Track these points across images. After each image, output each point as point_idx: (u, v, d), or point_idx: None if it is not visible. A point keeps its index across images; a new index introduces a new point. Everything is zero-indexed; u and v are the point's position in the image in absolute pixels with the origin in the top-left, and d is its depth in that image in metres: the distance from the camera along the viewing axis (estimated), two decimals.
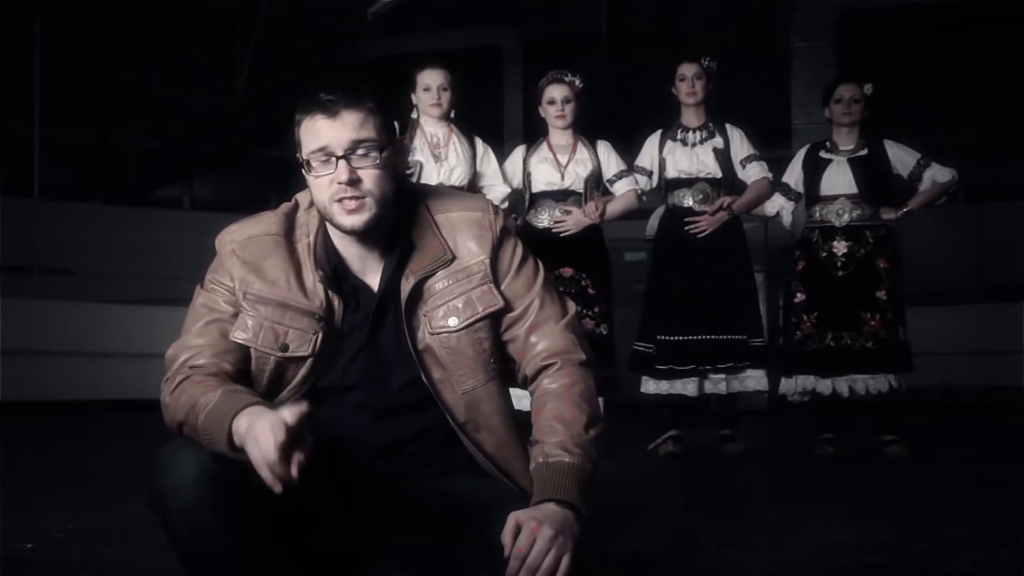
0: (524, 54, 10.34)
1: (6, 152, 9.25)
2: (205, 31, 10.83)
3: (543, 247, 4.43)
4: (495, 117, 10.03)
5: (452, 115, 4.39)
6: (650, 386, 4.55)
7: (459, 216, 1.76)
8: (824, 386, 4.41)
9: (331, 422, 1.74)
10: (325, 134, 1.64)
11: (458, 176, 4.33)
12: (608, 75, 10.27)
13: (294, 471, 1.43)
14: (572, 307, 1.83)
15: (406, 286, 1.71)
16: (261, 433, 1.44)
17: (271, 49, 10.67)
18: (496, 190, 4.44)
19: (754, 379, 4.50)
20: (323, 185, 1.66)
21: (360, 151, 1.64)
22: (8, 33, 9.41)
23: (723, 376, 4.48)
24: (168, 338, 1.76)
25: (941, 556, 2.35)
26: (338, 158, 1.63)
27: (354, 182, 1.64)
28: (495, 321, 1.75)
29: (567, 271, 4.42)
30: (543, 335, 1.76)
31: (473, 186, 4.40)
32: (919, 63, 9.36)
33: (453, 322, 1.71)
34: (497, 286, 1.75)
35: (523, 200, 4.57)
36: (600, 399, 4.48)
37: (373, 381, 1.74)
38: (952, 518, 2.89)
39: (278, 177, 11.52)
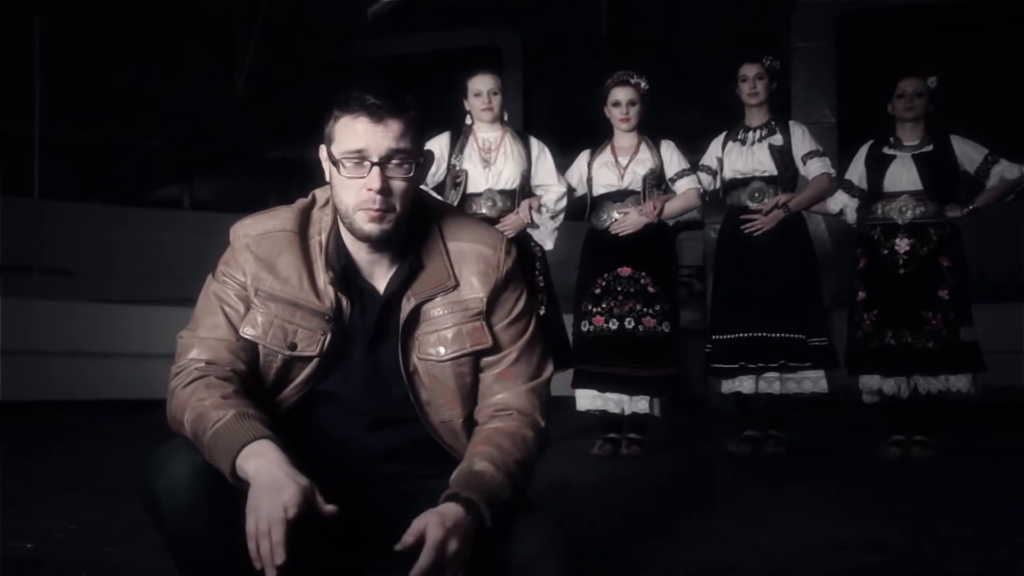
0: (524, 54, 10.33)
1: (6, 152, 9.25)
2: (205, 31, 10.83)
3: (603, 247, 4.49)
4: None
5: (505, 118, 4.45)
6: (729, 385, 4.52)
7: (469, 248, 1.75)
8: (890, 385, 4.31)
9: (330, 424, 1.75)
10: (364, 137, 1.62)
11: (507, 179, 4.35)
12: (608, 75, 10.28)
13: (280, 561, 1.42)
14: (548, 370, 1.80)
15: (406, 307, 1.71)
16: (264, 511, 1.44)
17: (271, 49, 10.68)
18: (552, 191, 4.46)
19: (811, 380, 4.42)
20: (352, 188, 1.64)
21: (396, 160, 1.64)
22: (8, 33, 9.41)
23: (777, 375, 4.42)
24: (168, 338, 1.75)
25: (941, 556, 2.35)
26: (373, 164, 1.63)
27: (385, 191, 1.63)
28: (479, 359, 1.74)
29: (625, 270, 4.43)
30: (506, 387, 1.74)
31: (526, 187, 4.41)
32: (918, 63, 9.35)
33: (441, 351, 1.71)
34: (490, 327, 1.74)
35: (587, 203, 4.59)
36: (656, 399, 4.44)
37: (370, 391, 1.74)
38: (952, 518, 2.89)
39: (278, 177, 11.54)
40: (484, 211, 4.30)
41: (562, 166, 4.60)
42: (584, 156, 4.61)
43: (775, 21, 9.60)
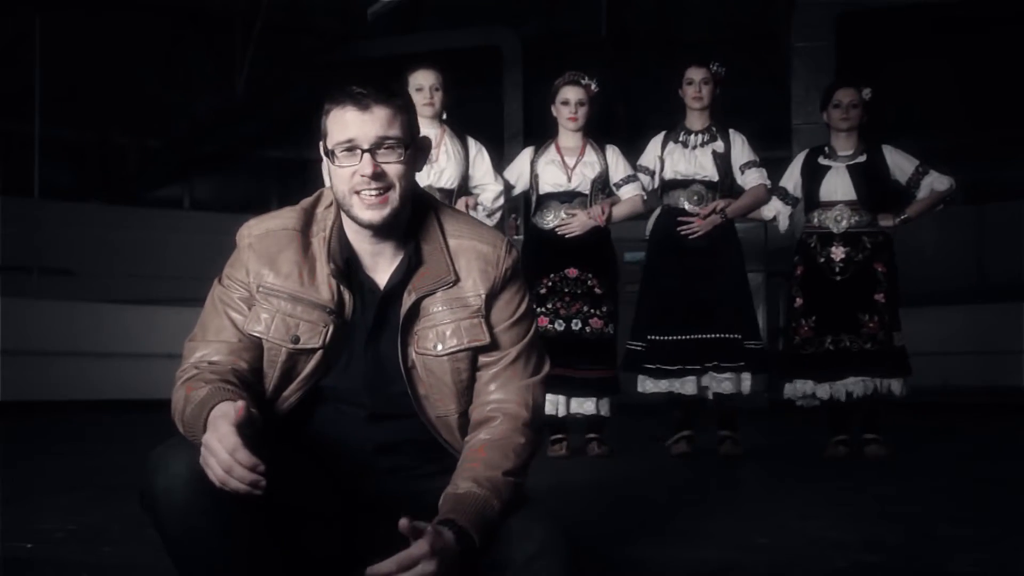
0: (524, 54, 10.34)
1: (6, 152, 9.25)
2: (205, 31, 10.84)
3: (548, 248, 4.47)
4: (495, 117, 10.03)
5: (444, 116, 4.41)
6: (647, 385, 4.54)
7: (470, 244, 1.77)
8: (823, 390, 4.41)
9: (328, 420, 1.76)
10: (353, 126, 1.66)
11: (448, 178, 4.33)
12: (608, 75, 10.29)
13: (254, 473, 1.45)
14: (544, 369, 1.82)
15: (407, 301, 1.73)
16: (212, 442, 1.47)
17: (271, 49, 10.68)
18: (489, 189, 4.44)
19: (731, 381, 4.43)
20: (345, 176, 1.68)
21: (386, 146, 1.67)
22: (8, 33, 9.42)
23: (713, 376, 4.44)
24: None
25: (941, 556, 2.35)
26: (364, 151, 1.66)
27: (378, 175, 1.66)
28: (477, 355, 1.75)
29: (572, 272, 4.44)
30: (501, 387, 1.75)
31: (464, 187, 4.41)
32: (918, 63, 9.37)
33: (438, 347, 1.73)
34: (489, 326, 1.75)
35: (530, 201, 4.59)
36: (607, 399, 4.44)
37: (371, 385, 1.75)
38: (952, 518, 2.89)
39: (278, 177, 11.55)
40: None
41: None
42: (527, 154, 4.62)
43: (775, 21, 9.62)
